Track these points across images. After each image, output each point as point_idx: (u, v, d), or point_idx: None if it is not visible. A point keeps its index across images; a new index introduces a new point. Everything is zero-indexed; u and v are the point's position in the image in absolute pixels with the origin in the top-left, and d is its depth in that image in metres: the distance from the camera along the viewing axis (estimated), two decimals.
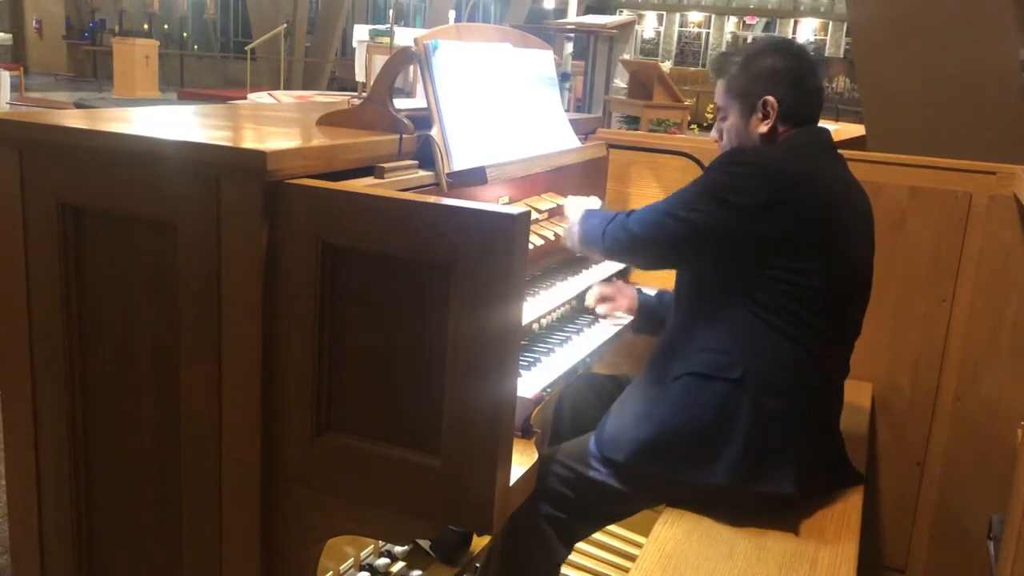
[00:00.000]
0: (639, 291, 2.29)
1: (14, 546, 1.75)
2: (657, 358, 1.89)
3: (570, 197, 2.29)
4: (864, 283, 1.89)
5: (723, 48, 30.61)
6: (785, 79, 1.83)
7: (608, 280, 2.44)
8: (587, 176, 2.58)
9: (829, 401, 1.88)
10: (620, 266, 2.58)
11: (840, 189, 1.83)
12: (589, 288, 2.32)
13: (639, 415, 1.81)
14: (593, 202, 2.24)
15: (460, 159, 1.83)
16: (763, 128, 1.84)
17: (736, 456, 1.72)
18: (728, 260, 1.76)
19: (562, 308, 2.16)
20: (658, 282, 2.63)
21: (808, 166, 1.79)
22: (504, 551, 1.92)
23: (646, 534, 1.79)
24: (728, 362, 1.74)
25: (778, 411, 1.75)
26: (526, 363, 1.83)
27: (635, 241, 1.84)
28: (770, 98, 1.83)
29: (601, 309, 2.20)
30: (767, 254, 1.73)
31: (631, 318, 2.22)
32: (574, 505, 1.85)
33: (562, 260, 2.44)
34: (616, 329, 2.18)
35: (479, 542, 2.41)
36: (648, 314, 2.23)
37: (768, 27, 30.56)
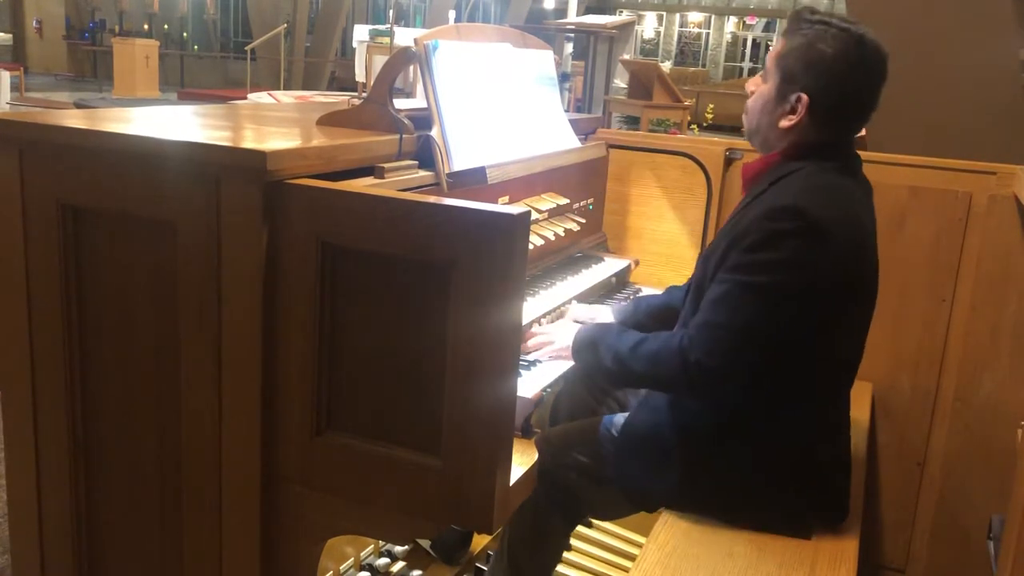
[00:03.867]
0: (612, 309, 2.19)
1: (14, 546, 1.75)
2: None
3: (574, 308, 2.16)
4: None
5: (723, 49, 30.62)
6: (836, 84, 1.64)
7: (602, 285, 2.44)
8: (587, 176, 2.58)
9: (845, 428, 1.85)
10: (622, 266, 2.58)
11: (872, 230, 1.74)
12: (590, 288, 2.32)
13: (651, 457, 1.76)
14: (603, 313, 2.13)
15: (460, 159, 1.83)
16: (785, 123, 1.69)
17: (763, 513, 1.74)
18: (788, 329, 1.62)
19: (562, 308, 2.16)
20: (659, 284, 2.63)
21: (857, 225, 1.67)
22: (513, 540, 1.93)
23: (646, 534, 1.79)
24: (752, 413, 1.70)
25: (802, 456, 1.74)
26: (526, 363, 1.83)
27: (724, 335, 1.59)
28: (804, 96, 1.65)
29: (541, 354, 1.90)
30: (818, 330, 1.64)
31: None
32: (577, 496, 1.85)
33: (562, 260, 2.44)
34: None
35: (479, 541, 2.42)
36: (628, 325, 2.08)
37: (768, 27, 30.56)
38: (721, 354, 1.59)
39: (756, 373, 1.64)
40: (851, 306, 1.71)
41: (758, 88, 1.76)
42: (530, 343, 1.92)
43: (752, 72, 29.53)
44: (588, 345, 1.78)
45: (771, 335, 1.60)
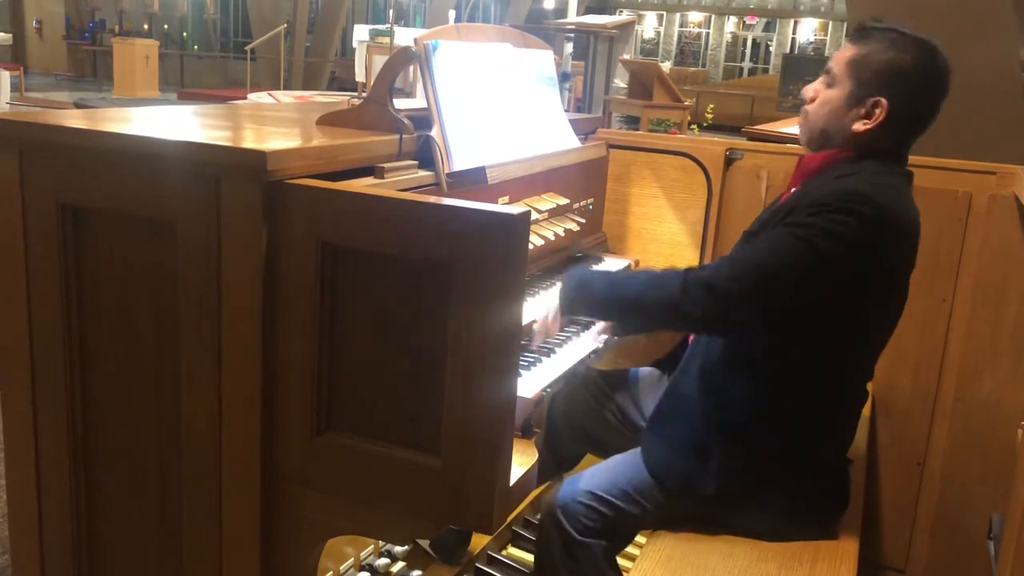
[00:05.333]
0: None
1: (14, 546, 1.75)
2: (704, 384, 1.79)
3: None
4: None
5: (723, 49, 30.62)
6: (914, 93, 1.67)
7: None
8: (587, 176, 2.58)
9: (853, 432, 1.87)
10: (622, 266, 2.58)
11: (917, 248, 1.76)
12: None
13: (692, 455, 1.75)
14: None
15: (460, 159, 1.83)
16: (859, 127, 1.70)
17: (799, 513, 1.76)
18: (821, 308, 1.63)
19: None
20: None
21: (914, 234, 1.70)
22: None
23: (646, 534, 1.79)
24: (792, 415, 1.71)
25: (834, 461, 1.78)
26: (526, 363, 1.83)
27: (747, 270, 1.59)
28: (884, 101, 1.67)
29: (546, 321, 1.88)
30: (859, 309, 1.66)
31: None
32: (616, 534, 1.80)
33: (562, 260, 2.44)
34: None
35: (479, 541, 2.42)
36: None
37: (768, 27, 30.57)
38: (740, 282, 1.58)
39: (769, 348, 1.64)
40: (880, 309, 1.72)
41: (821, 93, 1.76)
42: (536, 325, 1.91)
43: (752, 72, 29.54)
44: (576, 284, 1.76)
45: (795, 293, 1.59)
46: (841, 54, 1.74)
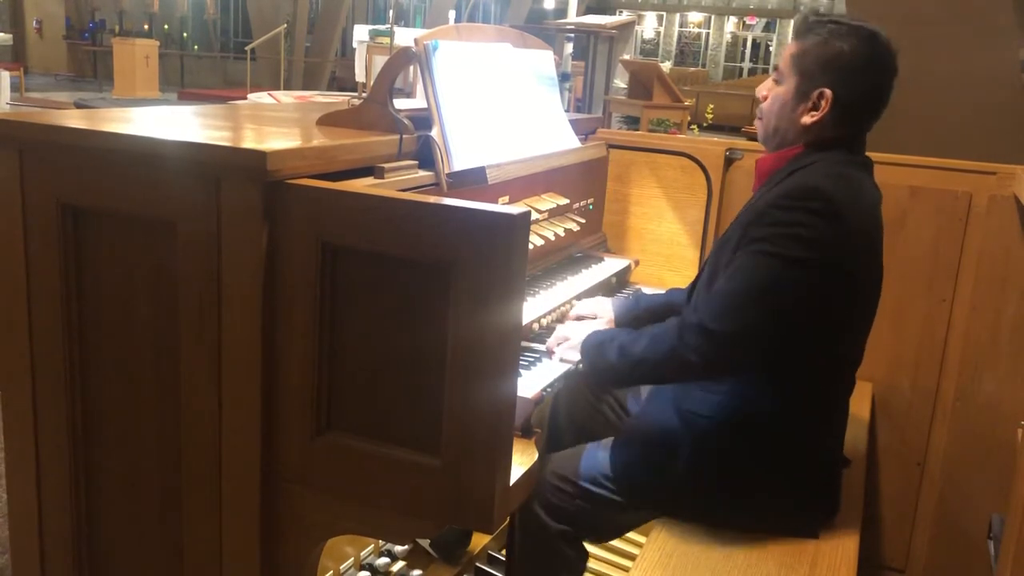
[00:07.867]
0: (613, 302, 2.18)
1: (14, 546, 1.75)
2: (680, 386, 1.80)
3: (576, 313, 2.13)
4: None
5: (723, 48, 30.62)
6: (857, 80, 1.68)
7: (602, 285, 2.44)
8: (587, 176, 2.58)
9: (844, 425, 1.86)
10: (622, 266, 2.58)
11: (881, 236, 1.76)
12: (590, 288, 2.32)
13: (656, 454, 1.76)
14: (602, 307, 2.12)
15: (460, 159, 1.83)
16: (807, 119, 1.71)
17: (767, 506, 1.74)
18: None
19: (562, 308, 2.16)
20: (659, 284, 2.63)
21: (872, 218, 1.71)
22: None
23: (646, 534, 1.80)
24: (758, 408, 1.70)
25: (807, 452, 1.75)
26: (526, 363, 1.83)
27: (731, 306, 1.58)
28: (828, 92, 1.69)
29: (560, 351, 1.90)
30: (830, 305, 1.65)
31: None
32: (581, 520, 1.82)
33: (562, 260, 2.45)
34: None
35: (479, 541, 2.42)
36: (627, 323, 2.09)
37: (768, 27, 30.56)
38: (731, 319, 1.57)
39: (762, 355, 1.63)
40: (857, 298, 1.72)
41: (772, 91, 1.79)
42: (550, 339, 1.94)
43: (752, 72, 29.54)
44: (595, 345, 1.79)
45: (782, 306, 1.60)
46: (786, 51, 1.78)
